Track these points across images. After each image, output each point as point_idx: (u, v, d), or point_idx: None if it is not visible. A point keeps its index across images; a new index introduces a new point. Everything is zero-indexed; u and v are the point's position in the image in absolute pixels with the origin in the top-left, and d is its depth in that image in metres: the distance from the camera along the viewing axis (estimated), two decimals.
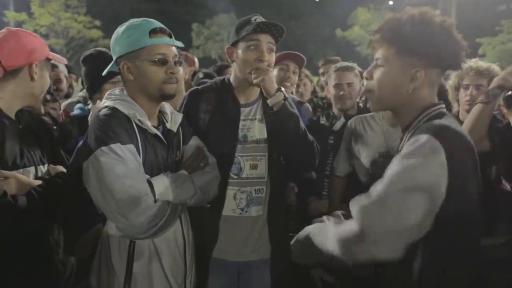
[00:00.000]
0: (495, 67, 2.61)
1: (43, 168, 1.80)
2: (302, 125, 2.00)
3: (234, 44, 2.04)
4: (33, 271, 1.69)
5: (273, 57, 2.02)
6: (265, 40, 1.96)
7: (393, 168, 1.28)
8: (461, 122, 2.67)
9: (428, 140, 1.25)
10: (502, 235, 2.50)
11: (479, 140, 2.14)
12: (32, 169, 1.74)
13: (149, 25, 1.66)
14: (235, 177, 2.02)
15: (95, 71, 2.28)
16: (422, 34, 1.36)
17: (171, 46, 1.70)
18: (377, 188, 1.26)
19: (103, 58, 2.28)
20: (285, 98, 1.94)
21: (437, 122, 1.34)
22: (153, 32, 1.65)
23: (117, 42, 1.69)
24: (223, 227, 2.03)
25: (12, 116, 1.76)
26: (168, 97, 1.73)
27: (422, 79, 1.38)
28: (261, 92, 2.09)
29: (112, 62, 1.74)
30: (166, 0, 27.02)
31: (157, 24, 1.68)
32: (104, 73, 1.85)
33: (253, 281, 2.07)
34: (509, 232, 2.48)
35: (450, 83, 2.75)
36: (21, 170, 1.69)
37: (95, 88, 2.29)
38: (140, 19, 1.70)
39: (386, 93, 1.44)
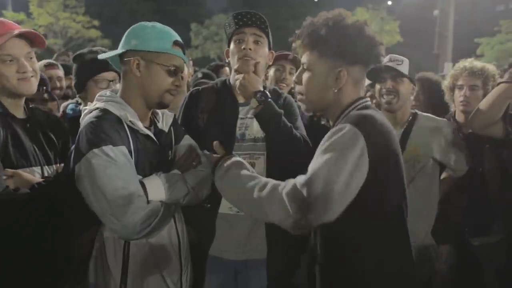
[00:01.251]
0: (489, 67, 2.61)
1: (49, 169, 1.80)
2: (287, 124, 1.97)
3: (229, 46, 2.11)
4: (39, 270, 1.69)
5: (262, 48, 2.06)
6: (250, 32, 2.03)
7: (316, 161, 1.32)
8: (458, 123, 2.68)
9: (348, 130, 1.33)
10: (497, 233, 2.51)
11: (491, 123, 2.15)
12: (38, 169, 1.74)
13: (174, 36, 1.71)
14: None
15: (82, 69, 2.29)
16: (338, 35, 1.46)
17: (182, 60, 1.73)
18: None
19: (91, 57, 2.29)
20: (264, 102, 1.91)
21: (359, 112, 1.44)
22: (175, 43, 1.69)
23: (137, 36, 1.68)
24: (220, 225, 2.04)
25: (18, 114, 1.75)
26: (163, 107, 1.76)
27: (345, 77, 1.47)
28: None
29: (116, 51, 1.72)
30: (164, 0, 26.98)
31: (178, 37, 1.73)
32: (103, 56, 1.81)
33: (251, 280, 2.08)
34: (503, 231, 2.49)
35: (445, 84, 2.75)
36: (27, 170, 1.69)
37: (79, 86, 2.32)
38: (166, 27, 1.74)
39: (314, 95, 1.54)
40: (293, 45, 1.56)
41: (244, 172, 1.46)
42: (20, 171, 1.66)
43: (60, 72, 3.64)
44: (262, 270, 2.06)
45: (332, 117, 1.56)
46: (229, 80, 2.18)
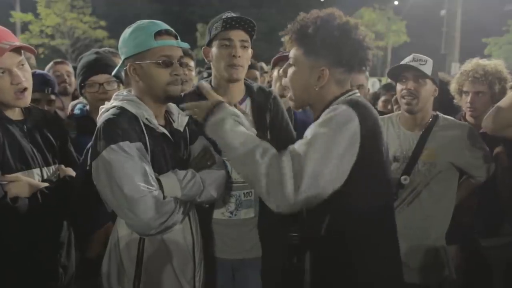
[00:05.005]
0: (493, 70, 2.50)
1: (48, 170, 1.79)
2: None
3: (209, 44, 2.06)
4: (33, 273, 1.69)
5: (248, 53, 2.03)
6: (237, 37, 1.98)
7: (310, 135, 1.34)
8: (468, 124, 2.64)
9: (345, 109, 1.36)
10: (507, 235, 2.48)
11: (509, 125, 2.11)
12: (37, 170, 1.73)
13: (155, 27, 1.68)
14: None
15: (76, 76, 2.33)
16: (324, 35, 1.46)
17: (176, 48, 1.71)
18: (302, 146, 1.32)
19: (82, 63, 2.34)
20: None
21: (351, 97, 1.48)
22: (159, 34, 1.67)
23: (124, 44, 1.71)
24: (214, 229, 2.05)
25: (14, 116, 1.73)
26: (173, 98, 1.75)
27: (327, 77, 1.48)
28: (246, 92, 2.09)
29: (120, 64, 1.76)
30: (171, 0, 27.06)
31: (163, 26, 1.70)
32: (112, 74, 1.87)
33: (249, 279, 2.09)
34: None
35: (451, 88, 2.70)
36: (26, 172, 1.68)
37: (80, 90, 2.35)
38: (147, 21, 1.72)
39: (297, 91, 1.55)
40: (282, 39, 1.57)
41: (240, 129, 1.44)
42: (20, 175, 1.65)
43: (69, 67, 3.64)
44: (259, 268, 2.08)
45: (317, 111, 1.55)
46: (210, 82, 2.14)
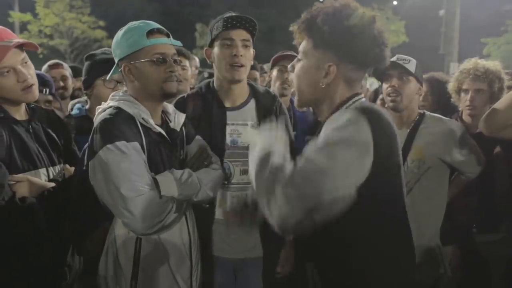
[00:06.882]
0: (493, 68, 2.53)
1: (53, 170, 1.80)
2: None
3: (211, 45, 2.05)
4: (39, 271, 1.70)
5: (250, 52, 2.03)
6: (239, 37, 1.98)
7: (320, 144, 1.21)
8: (464, 123, 2.64)
9: (354, 117, 1.24)
10: (506, 233, 2.49)
11: (506, 126, 2.10)
12: (44, 170, 1.75)
13: (147, 26, 1.69)
14: (225, 182, 2.02)
15: (92, 67, 2.32)
16: (334, 26, 1.33)
17: (169, 45, 1.73)
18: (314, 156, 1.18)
19: (104, 58, 2.33)
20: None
21: (359, 104, 1.35)
22: (151, 33, 1.69)
23: (117, 46, 1.72)
24: (216, 229, 2.06)
25: (19, 116, 1.74)
26: (169, 96, 1.76)
27: (334, 74, 1.36)
28: (251, 93, 2.09)
29: (114, 66, 1.77)
30: (170, 0, 27.04)
31: (155, 25, 1.72)
32: (108, 77, 1.89)
33: (250, 278, 2.10)
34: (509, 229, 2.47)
35: (450, 87, 2.72)
36: (33, 172, 1.69)
37: (87, 83, 2.35)
38: (138, 21, 1.73)
39: (303, 87, 1.43)
40: (291, 28, 1.46)
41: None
42: (28, 175, 1.66)
43: (65, 71, 3.62)
44: (260, 268, 2.08)
45: (323, 115, 1.45)
46: (213, 83, 2.15)
